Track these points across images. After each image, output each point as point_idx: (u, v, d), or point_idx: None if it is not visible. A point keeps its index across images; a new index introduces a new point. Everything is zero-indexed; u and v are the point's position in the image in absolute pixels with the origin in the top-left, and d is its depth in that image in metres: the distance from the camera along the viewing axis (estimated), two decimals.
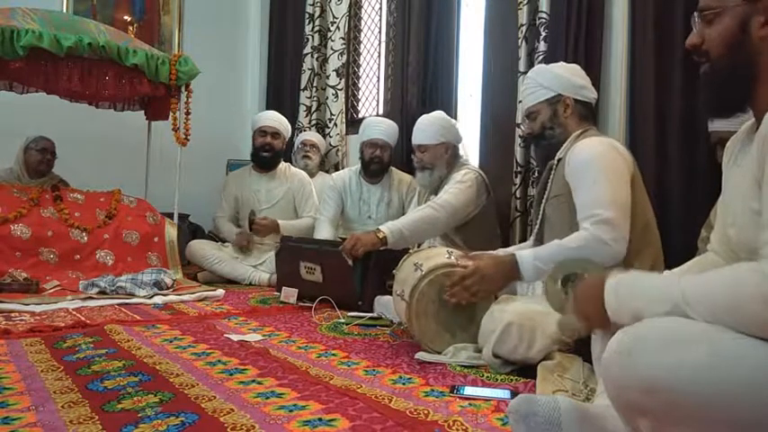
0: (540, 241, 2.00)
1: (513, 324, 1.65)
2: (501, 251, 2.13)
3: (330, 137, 4.26)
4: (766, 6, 1.02)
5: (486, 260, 1.84)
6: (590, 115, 2.05)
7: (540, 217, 2.02)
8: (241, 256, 3.57)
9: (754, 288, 0.86)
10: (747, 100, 1.05)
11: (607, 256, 1.69)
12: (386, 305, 2.36)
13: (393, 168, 3.41)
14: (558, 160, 1.96)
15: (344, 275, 2.59)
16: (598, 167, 1.78)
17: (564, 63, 2.12)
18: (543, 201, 2.01)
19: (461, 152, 2.87)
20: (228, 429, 1.18)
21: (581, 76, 2.04)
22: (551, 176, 1.99)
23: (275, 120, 3.71)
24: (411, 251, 2.11)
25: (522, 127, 2.14)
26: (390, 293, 2.10)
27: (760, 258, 0.90)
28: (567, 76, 2.00)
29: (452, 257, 1.91)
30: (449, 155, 2.77)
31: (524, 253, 1.81)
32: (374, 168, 3.30)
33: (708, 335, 0.88)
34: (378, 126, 3.32)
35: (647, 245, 1.84)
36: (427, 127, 2.78)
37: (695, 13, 1.11)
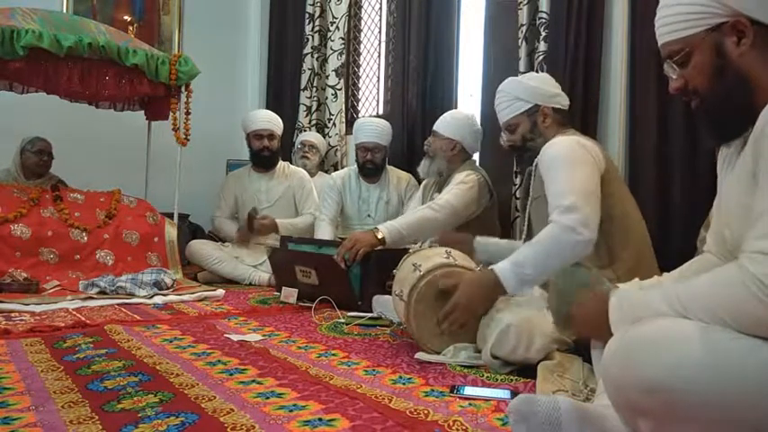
0: None
1: (510, 326, 1.64)
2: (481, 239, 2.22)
3: (329, 137, 4.27)
4: (733, 25, 1.03)
5: (465, 288, 1.77)
6: (567, 121, 2.10)
7: (527, 221, 2.07)
8: (241, 254, 3.57)
9: (741, 287, 0.87)
10: (750, 116, 1.03)
11: (578, 243, 1.71)
12: (385, 304, 2.36)
13: (390, 167, 3.42)
14: (536, 165, 2.00)
15: (339, 279, 2.58)
16: (560, 161, 1.83)
17: (533, 74, 2.18)
18: (528, 205, 2.05)
19: (473, 158, 2.89)
20: (228, 429, 1.18)
21: (553, 84, 2.09)
22: (532, 181, 2.04)
23: (268, 121, 3.68)
24: (411, 251, 2.11)
25: (502, 139, 2.18)
26: (390, 293, 2.11)
27: (743, 255, 0.90)
28: (541, 87, 2.05)
29: (451, 257, 1.91)
30: (453, 153, 2.77)
31: (503, 265, 1.76)
32: (368, 170, 3.31)
33: (707, 335, 0.88)
34: (368, 128, 3.30)
35: (627, 241, 1.86)
36: (448, 119, 2.83)
37: (666, 62, 1.12)
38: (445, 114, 2.88)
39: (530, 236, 2.02)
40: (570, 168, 1.81)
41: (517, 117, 2.06)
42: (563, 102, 2.08)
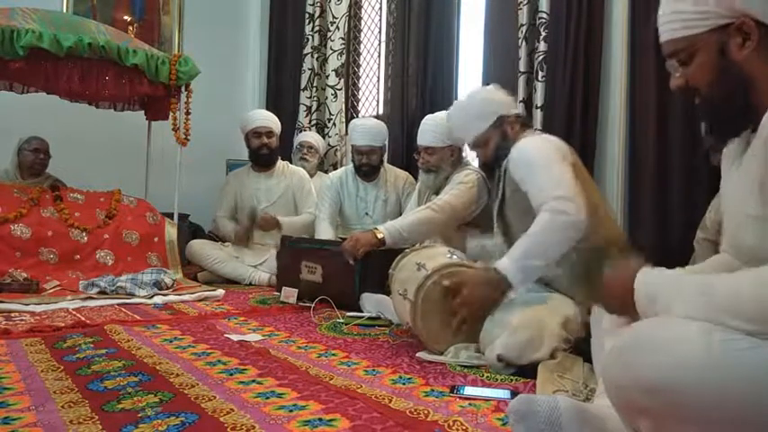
0: (510, 242, 2.00)
1: (519, 328, 1.64)
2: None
3: (329, 137, 4.27)
4: (738, 26, 1.02)
5: (472, 286, 1.78)
6: (529, 123, 2.20)
7: (503, 224, 2.08)
8: (240, 254, 3.57)
9: None
10: (749, 116, 1.04)
11: (572, 224, 1.73)
12: (378, 303, 2.36)
13: (388, 165, 3.41)
14: (505, 169, 2.02)
15: (345, 275, 2.59)
16: (537, 158, 1.88)
17: (482, 87, 2.27)
18: (503, 205, 2.06)
19: (464, 152, 2.87)
20: (228, 429, 1.18)
21: (503, 94, 2.15)
22: (502, 183, 2.05)
23: (266, 119, 3.70)
24: (408, 250, 2.10)
25: (475, 155, 2.25)
26: (388, 294, 2.10)
27: None
28: (497, 99, 2.11)
29: (454, 257, 1.91)
30: (455, 157, 2.76)
31: (504, 262, 1.77)
32: (365, 171, 3.29)
33: (707, 335, 0.88)
34: (362, 131, 3.23)
35: (594, 230, 1.83)
36: (435, 129, 2.71)
37: (668, 60, 1.11)
38: (427, 127, 2.73)
39: (509, 236, 2.03)
40: (546, 166, 1.86)
41: (485, 133, 2.09)
42: (516, 108, 2.17)
